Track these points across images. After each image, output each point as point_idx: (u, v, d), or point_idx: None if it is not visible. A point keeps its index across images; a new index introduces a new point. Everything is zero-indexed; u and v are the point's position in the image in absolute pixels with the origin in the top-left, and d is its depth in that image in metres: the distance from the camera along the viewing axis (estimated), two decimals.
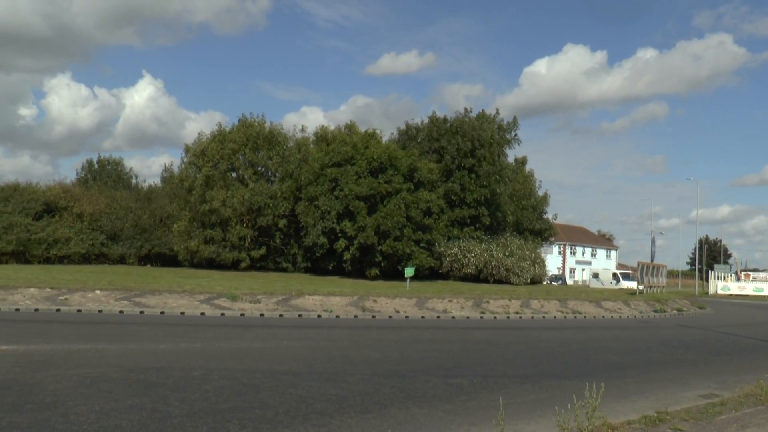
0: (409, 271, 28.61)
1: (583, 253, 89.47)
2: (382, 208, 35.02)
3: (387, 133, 48.82)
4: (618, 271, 56.37)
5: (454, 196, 40.56)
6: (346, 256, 35.86)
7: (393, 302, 21.71)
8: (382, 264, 35.74)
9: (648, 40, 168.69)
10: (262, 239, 40.78)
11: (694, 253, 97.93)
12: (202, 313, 17.73)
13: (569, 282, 74.80)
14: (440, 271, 39.30)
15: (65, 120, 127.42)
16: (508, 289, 31.64)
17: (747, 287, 60.26)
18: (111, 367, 8.96)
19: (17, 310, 16.29)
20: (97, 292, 18.70)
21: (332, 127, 47.52)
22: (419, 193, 36.68)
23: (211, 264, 39.99)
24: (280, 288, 22.91)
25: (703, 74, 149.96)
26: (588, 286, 54.88)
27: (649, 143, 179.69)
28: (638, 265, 40.20)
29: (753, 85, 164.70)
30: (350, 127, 46.05)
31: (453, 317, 21.07)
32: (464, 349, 13.84)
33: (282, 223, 40.50)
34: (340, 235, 35.66)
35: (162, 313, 17.43)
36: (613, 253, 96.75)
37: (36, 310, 16.45)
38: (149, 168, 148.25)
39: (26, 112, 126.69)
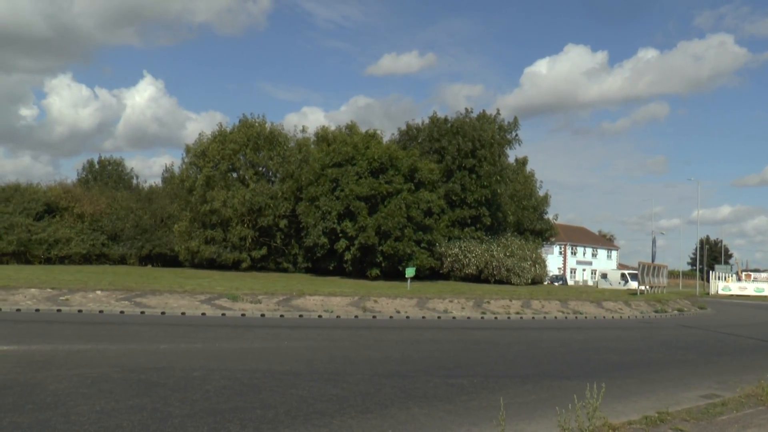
0: (409, 272, 28.61)
1: (584, 254, 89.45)
2: (383, 208, 35.03)
3: (388, 133, 49.00)
4: (627, 272, 56.22)
5: (454, 197, 40.56)
6: (347, 256, 35.87)
7: (394, 302, 21.71)
8: (383, 264, 35.75)
9: (649, 41, 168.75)
10: (262, 239, 40.80)
11: (695, 254, 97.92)
12: (203, 314, 17.73)
13: (570, 282, 74.79)
14: (441, 272, 39.30)
15: (66, 120, 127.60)
16: (509, 289, 31.63)
17: (748, 287, 60.22)
18: (112, 368, 8.96)
19: (18, 310, 16.30)
20: (98, 292, 18.72)
21: (333, 128, 47.64)
22: (420, 193, 36.69)
23: (212, 264, 40.02)
24: (281, 288, 22.92)
25: (704, 74, 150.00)
26: (597, 286, 54.67)
27: (649, 143, 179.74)
28: (639, 265, 40.18)
29: (754, 86, 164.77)
30: (351, 128, 46.09)
31: (454, 317, 21.07)
32: (465, 349, 13.84)
33: (283, 223, 40.52)
34: (340, 235, 35.67)
35: (163, 313, 17.44)
36: (614, 253, 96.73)
37: (37, 310, 16.46)
38: (150, 168, 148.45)
39: (27, 112, 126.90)
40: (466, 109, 44.85)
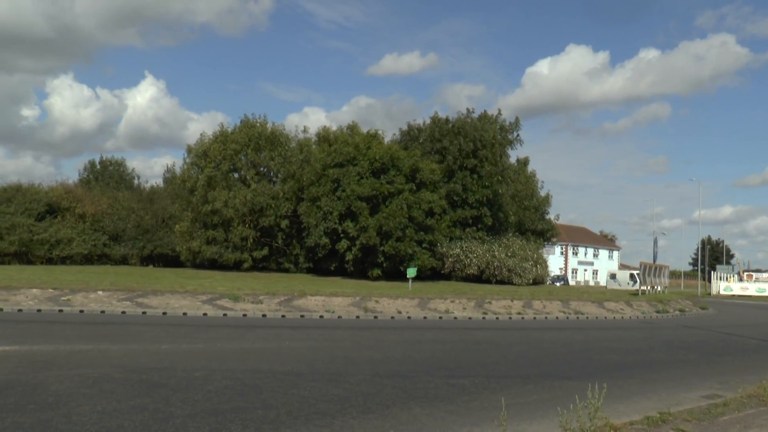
0: (411, 272, 28.60)
1: (586, 254, 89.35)
2: (384, 208, 35.03)
3: (389, 133, 48.85)
4: (636, 272, 56.10)
5: (456, 197, 40.55)
6: (349, 256, 35.87)
7: (395, 303, 21.71)
8: (385, 264, 35.74)
9: (650, 41, 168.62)
10: (264, 240, 40.80)
11: (696, 254, 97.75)
12: (205, 314, 17.74)
13: (571, 282, 74.74)
14: (442, 272, 39.29)
15: (67, 121, 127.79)
16: (511, 289, 31.62)
17: (749, 288, 60.12)
18: (113, 368, 8.97)
19: (20, 310, 16.32)
20: (100, 292, 18.73)
21: (334, 128, 47.63)
22: (421, 193, 36.68)
23: (214, 265, 40.03)
24: (283, 288, 22.92)
25: (706, 74, 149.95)
26: (606, 287, 54.53)
27: (651, 143, 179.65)
28: (641, 265, 40.16)
29: (755, 86, 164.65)
30: (352, 128, 46.08)
31: (455, 318, 21.07)
32: (466, 349, 13.83)
33: (284, 223, 40.52)
34: (342, 235, 35.67)
35: (164, 313, 17.45)
36: (616, 253, 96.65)
37: (38, 310, 16.48)
38: (151, 169, 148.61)
39: (29, 112, 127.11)
40: (468, 109, 44.90)
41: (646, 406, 7.87)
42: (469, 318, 21.31)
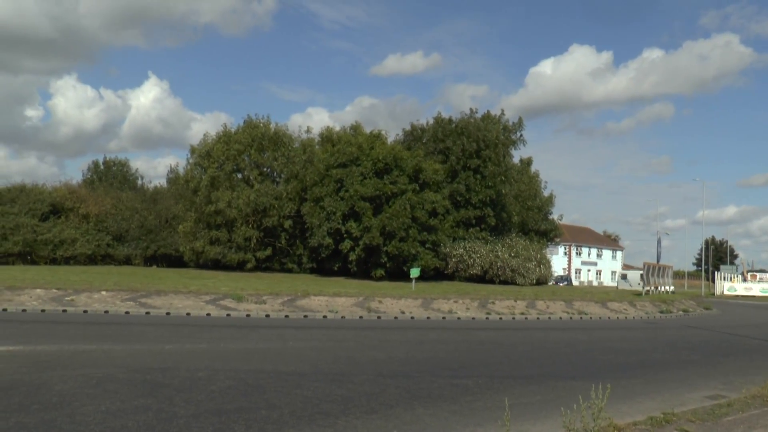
0: (414, 272, 28.59)
1: (589, 254, 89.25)
2: (388, 208, 35.03)
3: (392, 133, 48.91)
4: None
5: (459, 197, 40.53)
6: (352, 256, 35.88)
7: (398, 303, 21.71)
8: (388, 265, 35.74)
9: (654, 41, 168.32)
10: (267, 240, 40.84)
11: (700, 254, 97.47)
12: (208, 314, 17.77)
13: (575, 283, 74.65)
14: (446, 272, 39.26)
15: (71, 121, 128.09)
16: (514, 289, 31.59)
17: (753, 288, 59.97)
18: (117, 368, 8.99)
19: (24, 310, 16.37)
20: (103, 292, 18.77)
21: (337, 128, 47.67)
22: (424, 193, 36.67)
23: (217, 265, 40.08)
24: (286, 289, 22.94)
25: (710, 74, 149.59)
26: (617, 287, 54.45)
27: (654, 143, 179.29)
28: (644, 265, 40.10)
29: (759, 85, 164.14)
30: (355, 128, 46.11)
31: (458, 318, 21.06)
32: (470, 349, 13.82)
33: (287, 223, 40.54)
34: (345, 235, 35.69)
35: (168, 313, 17.48)
36: (619, 253, 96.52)
37: (42, 310, 16.52)
38: (155, 169, 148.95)
39: (32, 113, 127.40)
40: (471, 109, 44.84)
41: (649, 407, 7.86)
42: (473, 318, 21.30)
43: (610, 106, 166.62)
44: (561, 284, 54.01)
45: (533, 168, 52.02)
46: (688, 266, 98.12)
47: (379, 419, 6.77)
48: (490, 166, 40.52)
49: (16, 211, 40.27)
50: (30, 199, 41.93)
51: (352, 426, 6.44)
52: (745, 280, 64.56)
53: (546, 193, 50.97)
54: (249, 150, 41.82)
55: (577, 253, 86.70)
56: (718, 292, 61.05)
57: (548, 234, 50.29)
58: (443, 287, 30.46)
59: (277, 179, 43.71)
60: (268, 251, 40.72)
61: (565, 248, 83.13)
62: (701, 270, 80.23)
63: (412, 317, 20.22)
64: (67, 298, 17.80)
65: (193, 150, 43.51)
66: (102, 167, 61.92)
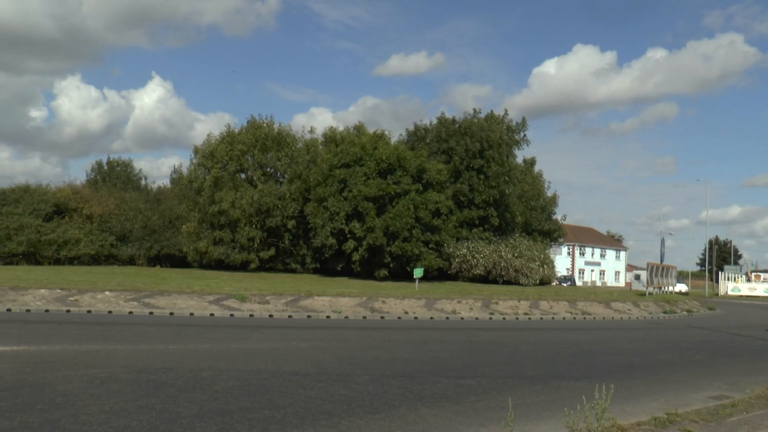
0: (418, 272, 28.59)
1: (593, 254, 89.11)
2: (391, 209, 35.02)
3: (396, 134, 49.10)
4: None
5: (462, 197, 40.52)
6: (355, 257, 35.89)
7: (402, 303, 21.70)
8: (391, 265, 35.75)
9: (658, 41, 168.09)
10: (271, 240, 40.88)
11: (704, 254, 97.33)
12: (212, 314, 17.78)
13: (578, 283, 74.52)
14: (449, 272, 39.26)
15: (75, 121, 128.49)
16: (517, 290, 31.55)
17: (757, 288, 59.82)
18: (120, 368, 9.00)
19: (28, 310, 16.40)
20: (107, 293, 18.81)
21: (341, 128, 47.72)
22: (428, 194, 36.66)
23: (220, 265, 40.14)
24: (289, 289, 22.95)
25: (714, 74, 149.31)
26: (630, 288, 54.36)
27: (658, 144, 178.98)
28: (647, 266, 40.00)
29: (764, 85, 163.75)
30: (359, 128, 46.14)
31: (462, 318, 21.04)
32: (473, 350, 13.80)
33: (291, 224, 40.59)
34: (348, 236, 35.70)
35: (171, 314, 17.50)
36: (623, 253, 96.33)
37: (46, 310, 16.56)
38: (158, 169, 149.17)
39: (37, 113, 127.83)
40: (474, 109, 44.87)
41: (653, 407, 7.84)
42: (476, 318, 21.29)
43: (613, 106, 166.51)
44: (564, 284, 53.92)
45: (537, 168, 52.08)
46: (692, 266, 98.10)
47: (383, 419, 6.77)
48: (494, 167, 40.50)
49: (20, 212, 40.41)
50: (34, 199, 42.06)
51: (356, 426, 6.44)
52: (749, 280, 64.39)
53: (549, 194, 50.98)
54: (252, 150, 41.88)
55: (580, 254, 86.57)
56: (721, 292, 60.90)
57: (552, 234, 50.24)
58: (447, 287, 30.45)
59: (281, 179, 43.77)
60: (272, 251, 40.78)
61: (569, 248, 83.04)
62: (705, 270, 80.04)
63: (415, 317, 20.21)
64: (70, 299, 17.84)
65: (196, 150, 43.59)
66: (106, 167, 62.10)
